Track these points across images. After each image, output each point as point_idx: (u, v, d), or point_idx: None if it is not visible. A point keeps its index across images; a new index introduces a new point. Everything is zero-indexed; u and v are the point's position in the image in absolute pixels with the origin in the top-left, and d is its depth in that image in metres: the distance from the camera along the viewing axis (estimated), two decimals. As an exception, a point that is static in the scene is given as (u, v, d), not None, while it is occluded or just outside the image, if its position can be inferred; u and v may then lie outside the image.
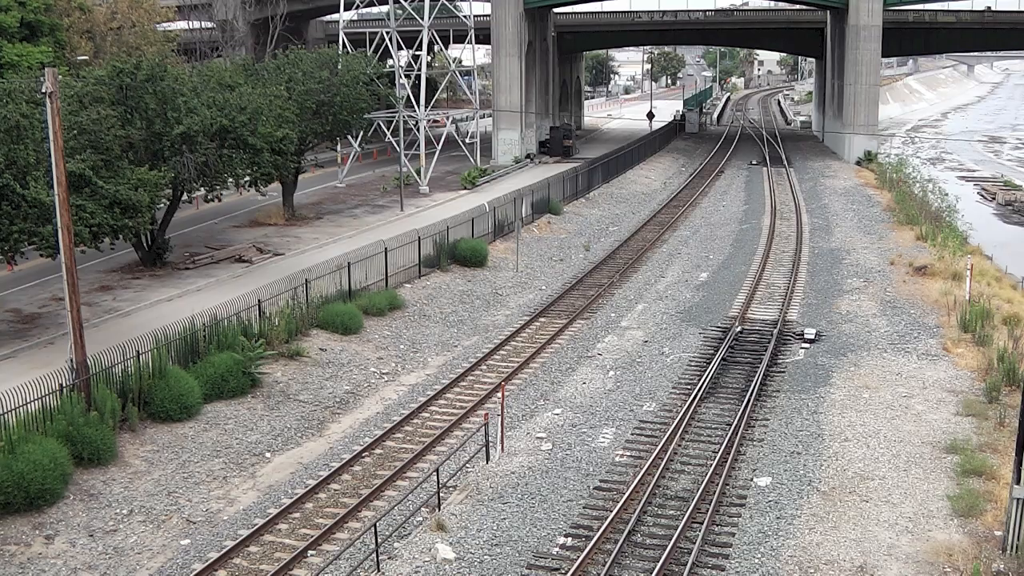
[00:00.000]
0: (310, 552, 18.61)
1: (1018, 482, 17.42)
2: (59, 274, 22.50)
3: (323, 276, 31.83)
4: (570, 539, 18.51)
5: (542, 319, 34.10)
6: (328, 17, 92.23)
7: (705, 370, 27.51)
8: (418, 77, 59.10)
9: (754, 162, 77.66)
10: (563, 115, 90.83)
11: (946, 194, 56.15)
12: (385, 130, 59.41)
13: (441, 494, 20.00)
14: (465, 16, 69.41)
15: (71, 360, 21.72)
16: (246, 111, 36.11)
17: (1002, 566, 17.04)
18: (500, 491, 20.31)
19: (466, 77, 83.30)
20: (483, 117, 69.45)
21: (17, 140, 26.58)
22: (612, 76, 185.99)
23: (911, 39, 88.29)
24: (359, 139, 57.69)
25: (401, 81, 58.46)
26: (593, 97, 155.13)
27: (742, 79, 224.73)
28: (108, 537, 18.97)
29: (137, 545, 18.88)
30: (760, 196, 60.78)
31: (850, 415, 24.34)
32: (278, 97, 40.01)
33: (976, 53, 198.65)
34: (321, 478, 21.45)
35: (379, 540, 17.63)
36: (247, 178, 38.33)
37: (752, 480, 20.86)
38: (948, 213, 51.26)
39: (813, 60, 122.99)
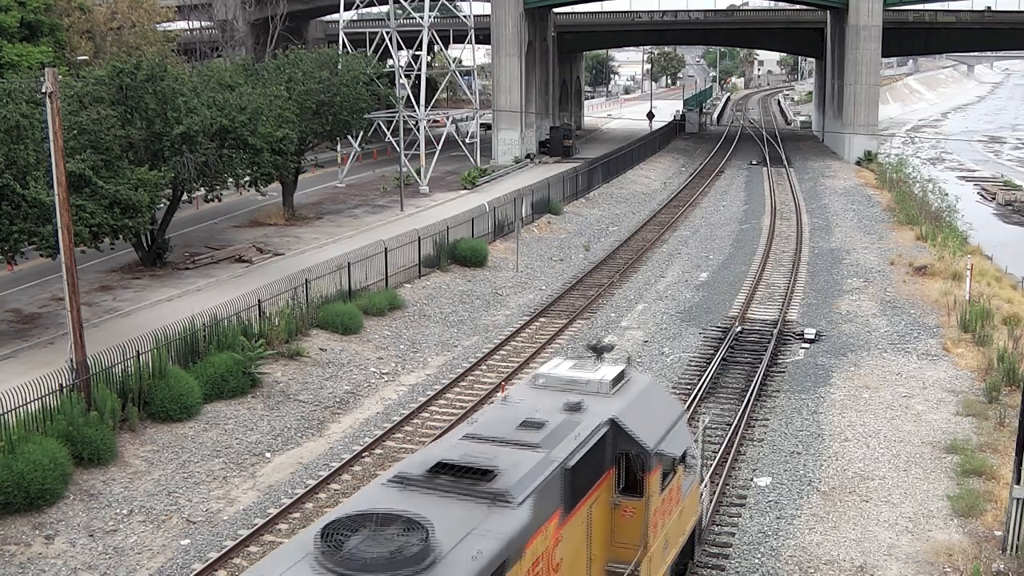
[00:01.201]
0: (310, 552, 18.58)
1: (1018, 482, 17.43)
2: (59, 274, 22.51)
3: (323, 276, 31.83)
4: (570, 539, 18.57)
5: (542, 319, 34.09)
6: (328, 17, 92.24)
7: (705, 370, 27.51)
8: (418, 77, 59.12)
9: (754, 162, 77.66)
10: (563, 115, 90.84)
11: (946, 194, 56.22)
12: (385, 130, 59.43)
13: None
14: (465, 16, 69.43)
15: (71, 360, 21.71)
16: (246, 111, 36.12)
17: (1002, 566, 17.05)
18: (500, 491, 20.30)
19: (466, 77, 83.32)
20: (483, 117, 69.46)
21: (17, 140, 26.58)
22: (612, 76, 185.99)
23: (911, 39, 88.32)
24: (359, 139, 57.72)
25: (401, 81, 58.48)
26: (593, 97, 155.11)
27: (742, 79, 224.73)
28: (108, 537, 18.97)
29: (137, 545, 18.88)
30: (760, 196, 60.80)
31: (850, 415, 24.35)
32: (278, 97, 40.04)
33: (976, 53, 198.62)
34: (321, 478, 21.45)
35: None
36: (247, 178, 38.36)
37: (752, 480, 20.87)
38: (948, 213, 51.31)
39: (813, 60, 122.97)
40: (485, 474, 11.26)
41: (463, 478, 11.23)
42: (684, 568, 16.13)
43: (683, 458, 14.81)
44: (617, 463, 13.57)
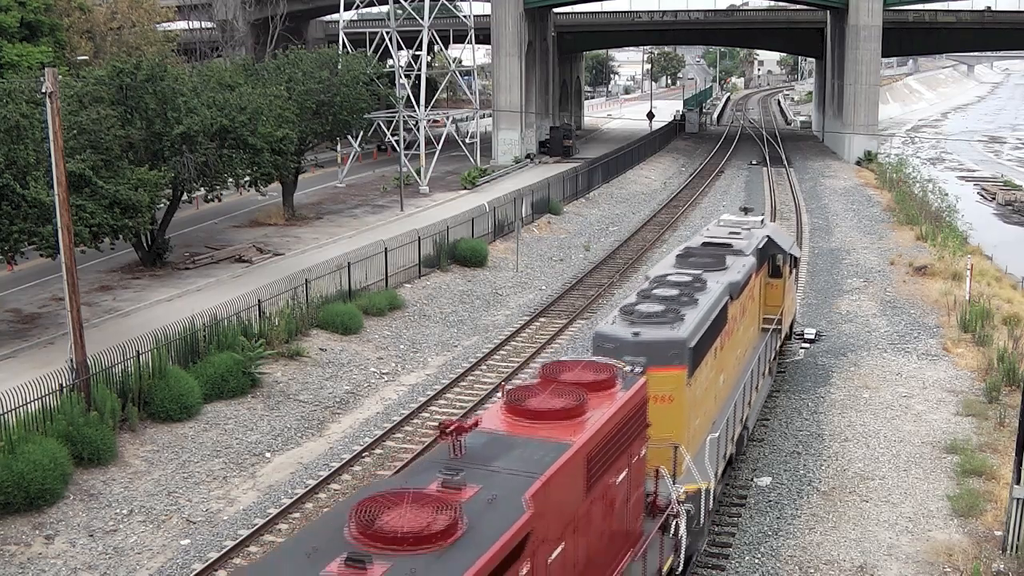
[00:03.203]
0: (310, 552, 18.58)
1: (1018, 482, 17.42)
2: (59, 274, 22.51)
3: (323, 276, 31.83)
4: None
5: (542, 319, 34.09)
6: (328, 17, 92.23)
7: (705, 370, 27.71)
8: (418, 77, 59.12)
9: (754, 162, 77.62)
10: (563, 115, 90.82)
11: (946, 194, 56.21)
12: (385, 130, 59.42)
13: (441, 494, 19.95)
14: (465, 16, 69.43)
15: (71, 360, 21.71)
16: (246, 111, 36.12)
17: (1002, 566, 17.05)
18: (500, 491, 20.28)
19: (466, 77, 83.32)
20: (483, 117, 69.45)
21: (17, 140, 26.58)
22: (612, 76, 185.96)
23: (911, 39, 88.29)
24: (359, 139, 57.70)
25: (401, 81, 58.48)
26: (593, 97, 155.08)
27: (742, 79, 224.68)
28: (108, 537, 18.97)
29: (137, 545, 18.88)
30: (760, 196, 60.76)
31: (850, 415, 24.35)
32: (278, 97, 40.03)
33: (976, 53, 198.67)
34: (321, 478, 21.45)
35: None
36: (247, 178, 38.34)
37: (752, 480, 20.87)
38: (948, 213, 51.29)
39: (813, 60, 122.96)
40: (729, 245, 22.47)
41: (720, 247, 22.34)
42: (787, 339, 27.59)
43: (797, 262, 27.84)
44: (769, 259, 24.43)
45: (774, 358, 24.81)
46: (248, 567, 9.98)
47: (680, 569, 15.26)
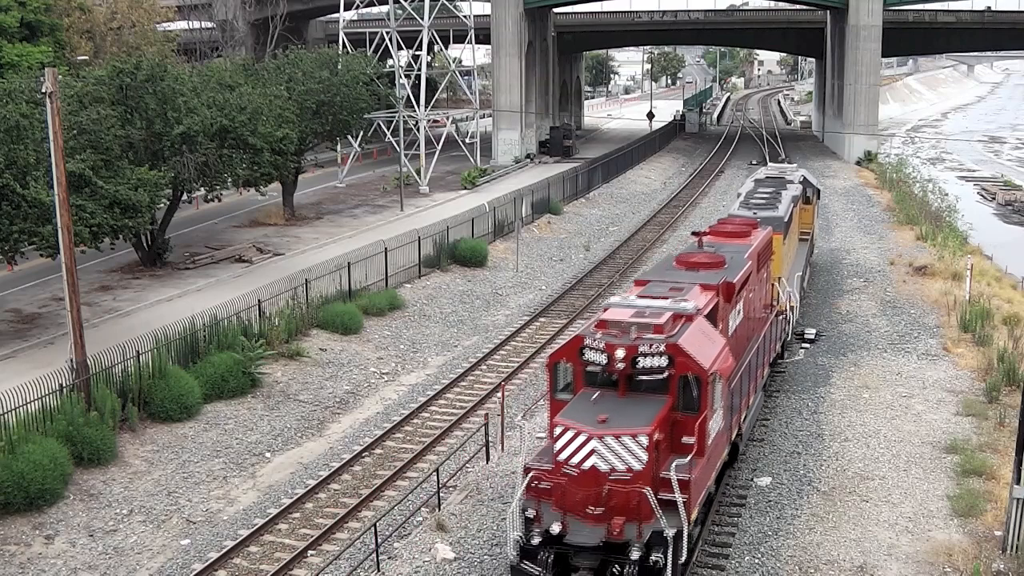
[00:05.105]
0: (310, 552, 18.62)
1: (1018, 482, 17.41)
2: (59, 274, 22.52)
3: (323, 276, 31.84)
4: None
5: (542, 319, 34.09)
6: (328, 17, 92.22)
7: (705, 370, 27.90)
8: (418, 77, 59.12)
9: (754, 162, 77.47)
10: (563, 115, 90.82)
11: (946, 194, 56.23)
12: (385, 130, 59.42)
13: (441, 494, 20.00)
14: (465, 16, 69.43)
15: (71, 360, 21.72)
16: (246, 111, 36.13)
17: (1002, 566, 17.04)
18: (500, 491, 20.30)
19: (466, 77, 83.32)
20: (483, 117, 69.46)
21: (17, 140, 26.60)
22: (612, 76, 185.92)
23: (911, 39, 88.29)
24: (359, 139, 57.69)
25: (401, 81, 58.49)
26: (593, 97, 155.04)
27: (742, 79, 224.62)
28: (108, 537, 18.98)
29: (137, 545, 18.89)
30: (760, 196, 60.68)
31: (850, 415, 24.35)
32: (278, 97, 40.06)
33: (976, 53, 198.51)
34: (321, 478, 21.46)
35: (379, 540, 17.64)
36: (247, 178, 38.33)
37: (752, 480, 20.86)
38: (948, 213, 51.30)
39: (813, 60, 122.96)
40: (784, 177, 35.24)
41: (779, 178, 35.19)
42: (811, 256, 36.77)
43: (819, 194, 39.01)
44: (805, 193, 34.76)
45: (809, 257, 35.55)
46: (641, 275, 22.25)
47: (789, 338, 27.93)
